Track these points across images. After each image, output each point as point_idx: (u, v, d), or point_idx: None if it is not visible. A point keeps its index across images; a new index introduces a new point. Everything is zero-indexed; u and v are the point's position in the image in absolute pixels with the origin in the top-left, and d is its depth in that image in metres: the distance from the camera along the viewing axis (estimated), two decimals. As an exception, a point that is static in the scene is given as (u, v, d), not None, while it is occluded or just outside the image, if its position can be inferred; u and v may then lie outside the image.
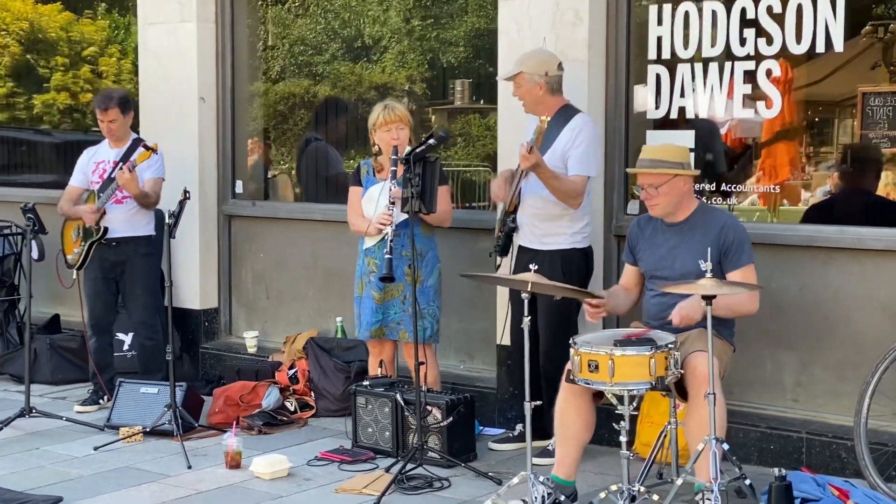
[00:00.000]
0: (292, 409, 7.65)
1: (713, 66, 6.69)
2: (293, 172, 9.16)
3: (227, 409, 7.47)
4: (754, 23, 6.53)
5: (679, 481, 5.28)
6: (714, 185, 6.82)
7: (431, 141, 6.35)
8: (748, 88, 6.60)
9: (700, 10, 6.69)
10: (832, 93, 6.75)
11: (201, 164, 8.73)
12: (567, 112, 6.49)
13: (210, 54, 8.79)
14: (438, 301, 6.95)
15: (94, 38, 10.72)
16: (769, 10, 6.47)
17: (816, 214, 6.71)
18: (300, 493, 6.17)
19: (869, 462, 5.72)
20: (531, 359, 5.70)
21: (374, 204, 6.82)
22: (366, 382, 6.90)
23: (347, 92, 8.82)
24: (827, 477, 5.76)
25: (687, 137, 6.67)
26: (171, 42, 8.81)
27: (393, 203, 6.61)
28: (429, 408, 6.54)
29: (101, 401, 7.92)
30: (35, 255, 8.31)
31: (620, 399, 5.25)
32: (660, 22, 6.84)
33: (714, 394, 5.16)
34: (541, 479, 5.48)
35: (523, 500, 5.55)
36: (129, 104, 7.93)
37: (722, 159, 7.01)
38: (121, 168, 7.54)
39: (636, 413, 6.18)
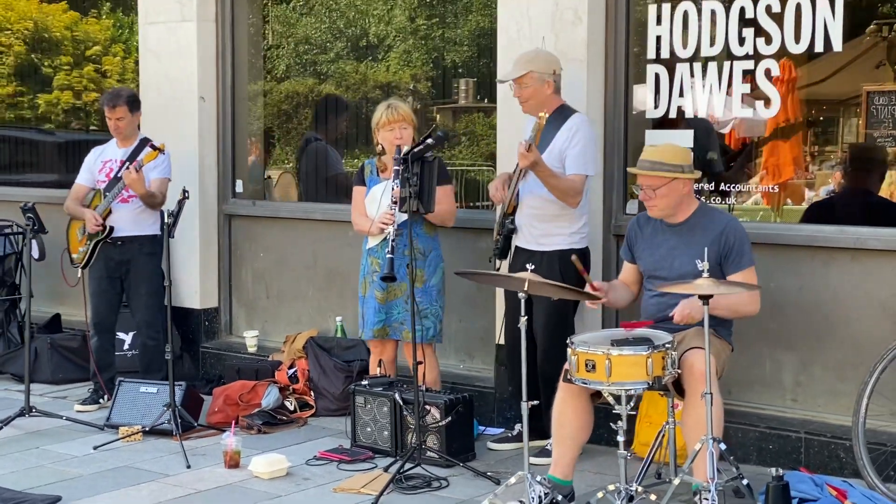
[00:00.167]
0: (292, 408, 7.65)
1: (712, 66, 6.69)
2: (295, 172, 9.16)
3: (226, 409, 7.47)
4: (753, 22, 6.52)
5: (676, 481, 5.27)
6: (713, 184, 6.81)
7: (429, 140, 6.35)
8: (747, 88, 6.59)
9: (699, 10, 6.68)
10: (837, 92, 6.74)
11: (201, 164, 8.73)
12: (563, 112, 6.49)
13: (210, 53, 8.79)
14: (441, 301, 6.94)
15: (99, 37, 10.74)
16: (768, 9, 6.46)
17: (817, 214, 6.71)
18: (298, 493, 6.18)
19: (867, 462, 5.72)
20: (529, 359, 5.69)
21: (377, 203, 6.82)
22: (364, 382, 6.90)
23: (351, 91, 8.83)
24: (825, 477, 5.76)
25: (686, 137, 6.67)
26: (171, 41, 8.81)
27: (395, 203, 6.61)
28: (427, 407, 6.54)
29: (101, 400, 7.93)
30: (36, 254, 8.32)
31: (618, 399, 5.25)
32: (659, 21, 6.83)
33: (711, 393, 5.16)
34: (538, 478, 5.48)
35: (520, 501, 5.55)
36: (137, 103, 7.95)
37: (722, 158, 7.00)
38: (127, 167, 7.55)
39: (634, 413, 6.19)
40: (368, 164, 7.09)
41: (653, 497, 5.29)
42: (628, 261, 6.10)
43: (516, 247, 6.69)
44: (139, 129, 8.01)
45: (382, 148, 6.88)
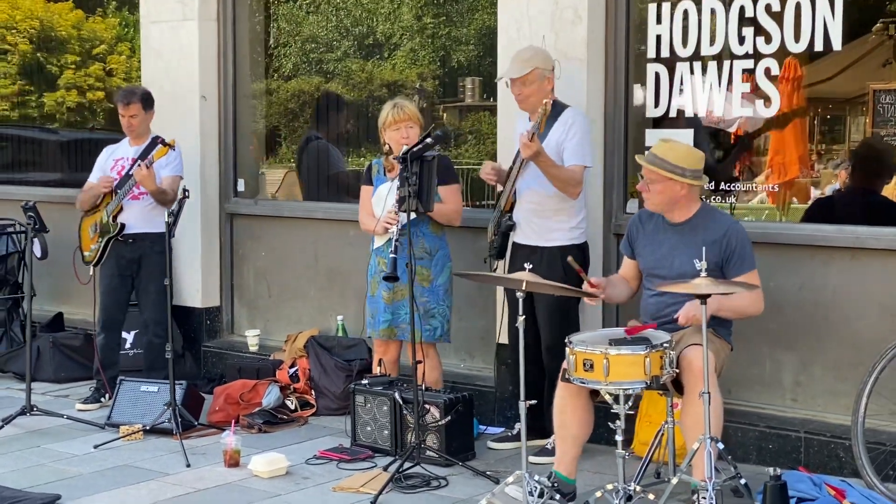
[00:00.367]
0: (293, 407, 7.65)
1: (712, 65, 6.68)
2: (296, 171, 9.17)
3: (227, 408, 7.48)
4: (753, 21, 6.52)
5: (674, 480, 5.27)
6: (713, 183, 6.80)
7: (429, 140, 6.35)
8: (747, 87, 6.59)
9: (699, 9, 6.68)
10: (843, 90, 6.74)
11: (203, 163, 8.74)
12: (556, 107, 6.49)
13: (212, 52, 8.81)
14: (449, 300, 6.94)
15: (104, 35, 10.76)
16: (768, 8, 6.45)
17: (819, 213, 6.70)
18: (298, 492, 6.18)
19: (866, 461, 5.71)
20: (529, 357, 5.69)
21: (383, 203, 6.81)
22: (365, 381, 6.91)
23: (358, 90, 8.83)
24: (824, 476, 5.75)
25: (686, 136, 6.66)
26: (173, 40, 8.83)
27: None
28: (427, 406, 6.54)
29: (102, 399, 7.95)
30: (38, 253, 8.33)
31: (616, 398, 5.25)
32: (659, 20, 6.83)
33: (709, 393, 5.16)
34: (535, 477, 5.47)
35: (518, 500, 5.55)
36: (151, 101, 7.98)
37: (722, 157, 7.00)
38: (139, 165, 7.57)
39: (633, 412, 6.20)
40: (376, 163, 7.09)
41: (651, 496, 5.29)
42: (628, 256, 6.09)
43: (515, 243, 6.70)
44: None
45: (389, 147, 6.88)
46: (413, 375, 6.39)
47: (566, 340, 5.40)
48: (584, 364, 5.24)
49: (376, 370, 7.04)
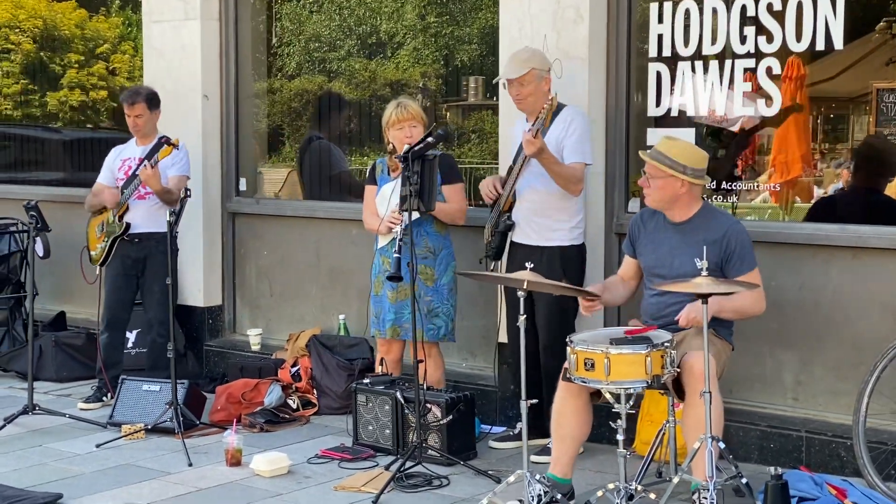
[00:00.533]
0: (294, 406, 7.66)
1: (713, 64, 6.68)
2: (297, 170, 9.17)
3: (229, 407, 7.49)
4: (755, 21, 6.51)
5: (676, 480, 5.27)
6: (715, 182, 6.80)
7: (430, 139, 6.35)
8: (749, 86, 6.58)
9: (700, 8, 6.67)
10: (846, 89, 6.74)
11: (205, 162, 8.73)
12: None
13: (214, 52, 8.81)
14: (453, 300, 6.94)
15: (108, 34, 10.78)
16: (769, 7, 6.45)
17: (821, 212, 6.70)
18: (299, 491, 6.19)
19: (867, 461, 5.71)
20: (529, 357, 5.70)
21: (387, 202, 6.82)
22: (366, 380, 6.91)
23: (361, 89, 8.83)
24: (825, 476, 5.75)
25: (687, 135, 6.65)
26: (175, 39, 8.83)
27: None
28: (429, 406, 6.54)
29: (104, 398, 7.95)
30: (41, 252, 8.34)
31: (617, 398, 5.26)
32: (660, 20, 6.82)
33: (710, 392, 5.16)
34: (537, 477, 5.48)
35: (519, 500, 5.55)
36: (156, 101, 7.98)
37: (724, 156, 7.00)
38: (144, 164, 7.58)
39: (634, 412, 6.20)
40: (379, 163, 7.09)
41: (652, 496, 5.29)
42: (629, 255, 6.09)
43: (514, 242, 6.70)
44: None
45: (393, 147, 6.88)
46: (415, 375, 6.40)
47: (567, 340, 5.40)
48: (586, 363, 5.24)
49: (378, 369, 7.04)
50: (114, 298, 7.97)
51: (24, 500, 5.93)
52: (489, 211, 6.86)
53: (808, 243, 6.45)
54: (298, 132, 9.26)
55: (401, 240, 6.44)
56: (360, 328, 7.75)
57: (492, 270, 6.82)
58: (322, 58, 9.08)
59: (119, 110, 8.06)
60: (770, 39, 6.47)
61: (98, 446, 6.95)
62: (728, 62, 6.62)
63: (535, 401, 5.64)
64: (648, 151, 5.80)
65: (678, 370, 5.37)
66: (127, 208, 7.79)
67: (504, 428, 7.18)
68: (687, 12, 6.73)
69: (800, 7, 6.35)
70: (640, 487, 5.32)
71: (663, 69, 6.85)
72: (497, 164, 7.40)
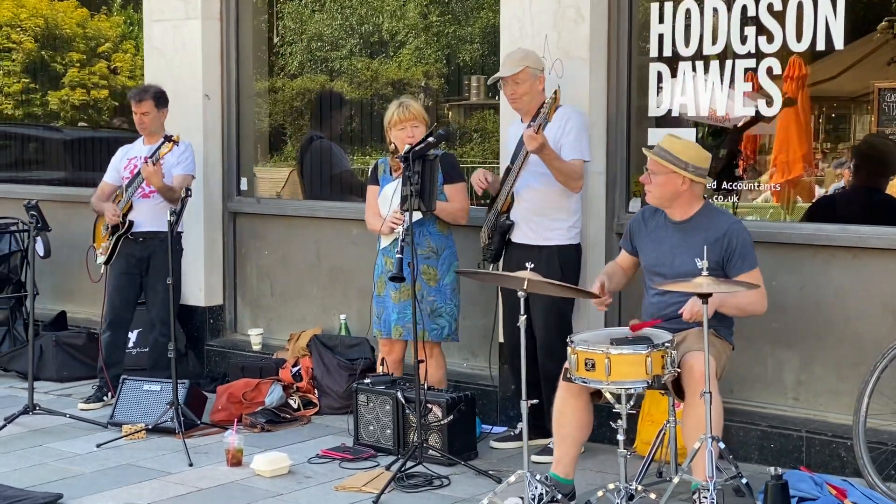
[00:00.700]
0: (295, 406, 7.66)
1: (714, 64, 6.68)
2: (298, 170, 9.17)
3: (230, 407, 7.49)
4: (755, 21, 6.51)
5: (676, 480, 5.27)
6: (716, 182, 6.80)
7: (431, 139, 6.35)
8: (749, 86, 6.58)
9: (701, 8, 6.67)
10: (848, 89, 6.74)
11: (206, 161, 8.73)
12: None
13: (215, 51, 8.81)
14: (456, 299, 6.94)
15: (109, 33, 10.78)
16: (770, 7, 6.45)
17: (821, 211, 6.70)
18: (300, 491, 6.19)
19: (867, 461, 5.71)
20: (530, 356, 5.70)
21: (389, 203, 6.82)
22: (367, 380, 6.91)
23: (363, 88, 8.83)
24: (825, 476, 5.75)
25: (688, 135, 6.66)
26: (176, 39, 8.83)
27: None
28: (429, 406, 6.54)
29: (105, 397, 7.95)
30: (41, 252, 8.34)
31: (617, 398, 5.25)
32: (661, 20, 6.82)
33: (710, 393, 5.16)
34: (538, 477, 5.48)
35: (520, 499, 5.56)
36: (164, 100, 7.98)
37: (725, 156, 7.00)
38: (145, 162, 7.58)
39: (634, 412, 6.20)
40: (381, 163, 7.09)
41: (653, 496, 5.29)
42: (627, 251, 6.09)
43: (512, 242, 6.70)
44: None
45: (395, 146, 6.88)
46: (415, 375, 6.40)
47: (568, 340, 5.40)
48: (586, 363, 5.23)
49: (379, 369, 7.04)
50: (117, 297, 7.97)
51: (25, 500, 5.94)
52: (486, 212, 6.86)
53: (809, 243, 6.45)
54: (300, 132, 9.26)
55: (403, 240, 6.43)
56: (361, 328, 7.75)
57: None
58: (324, 57, 9.08)
59: (120, 109, 8.05)
60: (770, 39, 6.47)
61: (98, 446, 6.95)
62: (729, 62, 6.62)
63: (535, 401, 5.64)
64: (653, 149, 5.81)
65: (678, 370, 5.37)
66: (131, 206, 7.79)
67: (505, 428, 7.18)
68: (688, 12, 6.73)
69: (800, 7, 6.35)
70: (640, 487, 5.32)
71: (664, 69, 6.85)
72: (498, 163, 7.39)
